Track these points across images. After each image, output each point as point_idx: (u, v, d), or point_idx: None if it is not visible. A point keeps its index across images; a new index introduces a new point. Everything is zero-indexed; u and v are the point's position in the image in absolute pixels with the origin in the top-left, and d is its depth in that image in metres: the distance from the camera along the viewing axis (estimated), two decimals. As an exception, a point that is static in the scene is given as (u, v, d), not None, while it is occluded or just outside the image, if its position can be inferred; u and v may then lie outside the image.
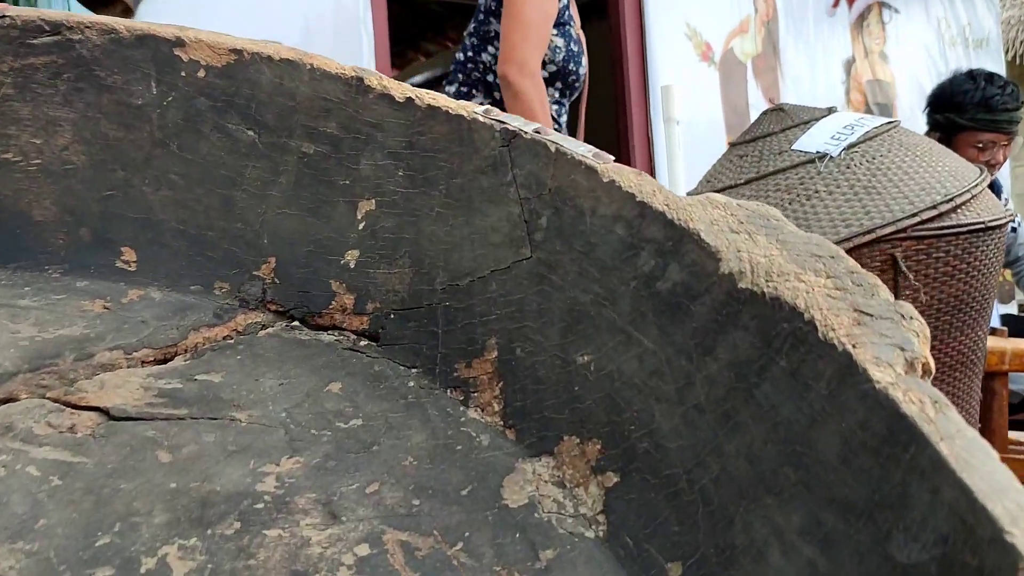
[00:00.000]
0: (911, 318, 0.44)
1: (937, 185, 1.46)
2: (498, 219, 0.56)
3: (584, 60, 2.02)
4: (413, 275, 0.58)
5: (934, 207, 1.41)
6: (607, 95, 3.17)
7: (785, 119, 1.60)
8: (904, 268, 1.42)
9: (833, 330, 0.43)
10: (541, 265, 0.54)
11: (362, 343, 0.58)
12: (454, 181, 0.57)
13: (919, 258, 1.45)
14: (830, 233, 1.43)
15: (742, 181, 1.56)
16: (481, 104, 1.95)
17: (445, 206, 0.57)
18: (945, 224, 1.42)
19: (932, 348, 1.51)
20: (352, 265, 0.59)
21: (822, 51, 3.69)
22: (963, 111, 2.14)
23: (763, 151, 1.59)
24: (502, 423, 0.54)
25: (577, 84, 2.00)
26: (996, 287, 1.60)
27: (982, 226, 1.45)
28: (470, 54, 1.99)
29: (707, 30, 3.27)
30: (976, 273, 1.49)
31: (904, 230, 1.40)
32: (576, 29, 2.02)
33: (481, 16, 1.98)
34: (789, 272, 0.46)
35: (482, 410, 0.54)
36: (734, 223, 0.49)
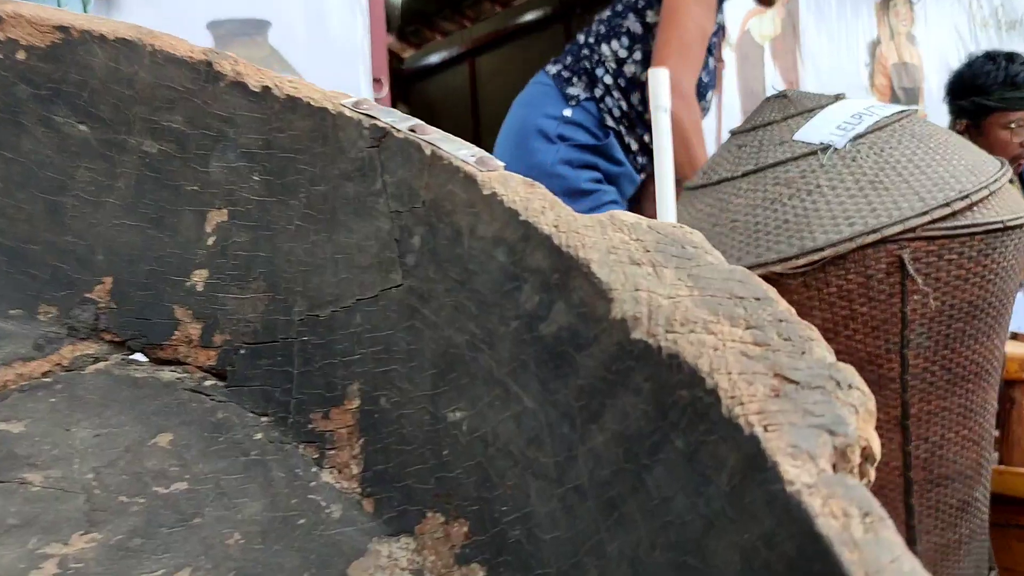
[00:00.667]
0: (849, 386, 0.33)
1: (952, 180, 1.34)
2: (365, 236, 0.46)
3: (711, 94, 1.87)
4: (268, 302, 0.48)
5: (947, 205, 1.29)
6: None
7: (788, 107, 1.48)
8: (912, 271, 1.30)
9: (741, 404, 0.32)
10: (412, 295, 0.44)
11: (208, 383, 0.48)
12: (316, 188, 0.47)
13: (929, 260, 1.33)
14: (832, 232, 1.31)
15: (739, 174, 1.44)
16: (575, 97, 1.82)
17: (305, 218, 0.47)
18: (959, 224, 1.30)
19: (943, 358, 1.39)
20: (200, 288, 0.49)
21: (845, 32, 3.53)
22: (989, 93, 2.00)
23: (763, 141, 1.47)
24: (359, 490, 0.44)
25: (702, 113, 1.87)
26: (1016, 290, 1.48)
27: (1000, 226, 1.32)
28: (591, 40, 1.84)
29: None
30: (993, 277, 1.37)
31: (913, 229, 1.28)
32: (716, 59, 1.88)
33: (619, 7, 1.83)
34: (697, 320, 0.36)
35: (338, 472, 0.44)
36: (638, 251, 0.39)
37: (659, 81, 1.29)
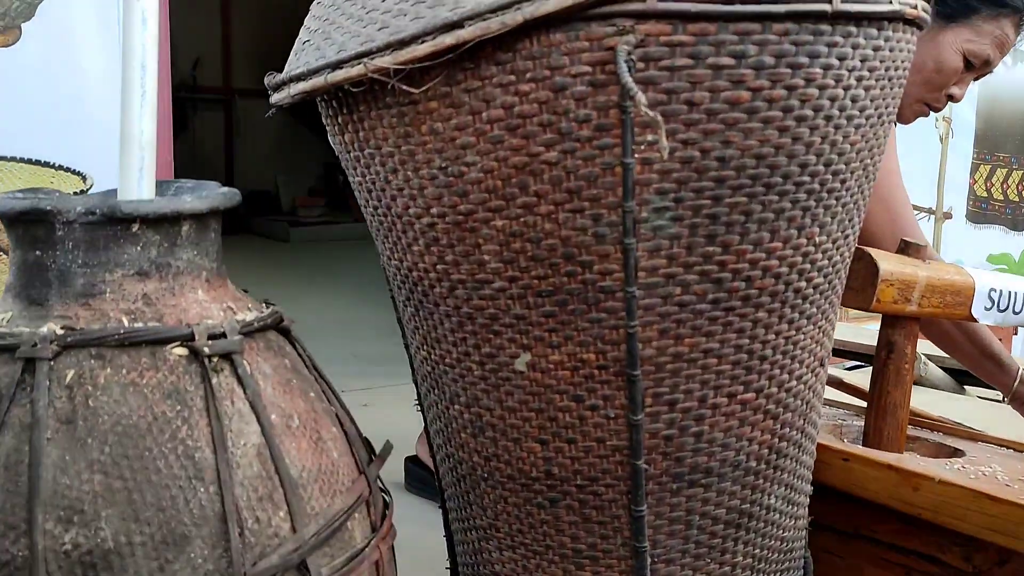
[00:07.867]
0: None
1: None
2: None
3: None
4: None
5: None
6: None
7: None
8: (630, 82, 0.64)
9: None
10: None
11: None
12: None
13: (677, 63, 0.66)
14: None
15: None
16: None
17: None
18: (743, -6, 0.65)
19: (706, 259, 0.74)
20: None
21: None
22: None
23: None
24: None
25: None
26: (881, 146, 0.81)
27: (827, 9, 0.66)
28: None
29: None
30: (819, 111, 0.71)
31: (642, -3, 0.62)
32: None
33: None
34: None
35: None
36: None
37: None
